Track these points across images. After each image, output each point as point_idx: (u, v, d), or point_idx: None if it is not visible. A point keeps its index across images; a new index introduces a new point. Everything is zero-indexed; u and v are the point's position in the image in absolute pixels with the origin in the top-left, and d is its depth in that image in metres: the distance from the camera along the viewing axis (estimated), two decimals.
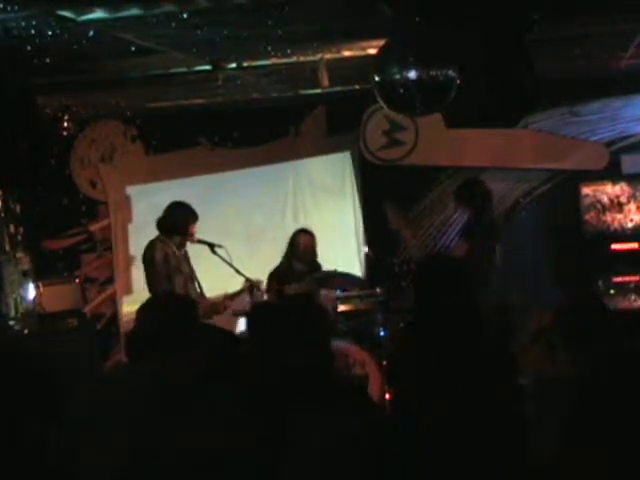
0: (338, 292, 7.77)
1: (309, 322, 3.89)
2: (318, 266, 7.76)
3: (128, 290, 8.57)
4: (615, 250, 8.88)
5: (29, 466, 3.26)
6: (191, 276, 6.78)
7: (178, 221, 6.72)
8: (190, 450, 3.36)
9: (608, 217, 9.05)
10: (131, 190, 8.76)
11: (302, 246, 7.55)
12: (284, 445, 3.43)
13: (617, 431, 3.50)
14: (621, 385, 3.55)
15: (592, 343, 3.75)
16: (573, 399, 3.56)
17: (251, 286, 6.93)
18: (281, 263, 7.64)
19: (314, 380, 3.63)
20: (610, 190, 9.05)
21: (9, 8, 4.24)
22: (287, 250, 7.63)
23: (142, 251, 6.85)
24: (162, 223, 6.75)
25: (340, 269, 7.77)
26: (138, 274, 7.51)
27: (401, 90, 4.74)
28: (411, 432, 3.77)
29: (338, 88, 7.56)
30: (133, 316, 3.99)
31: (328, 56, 6.32)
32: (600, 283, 8.41)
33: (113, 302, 8.66)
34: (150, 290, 6.65)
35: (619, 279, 8.47)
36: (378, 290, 7.67)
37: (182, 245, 6.76)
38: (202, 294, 6.83)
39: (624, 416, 3.50)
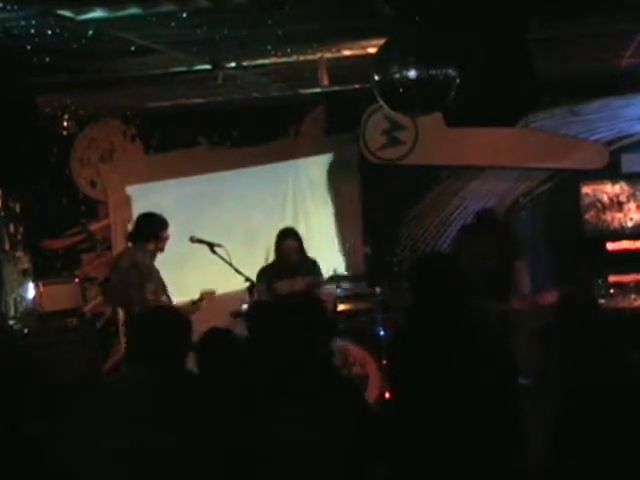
0: (338, 291, 7.76)
1: (308, 320, 3.90)
2: (309, 261, 7.69)
3: None
4: (615, 249, 8.88)
5: (29, 466, 3.26)
6: (162, 285, 6.82)
7: (148, 229, 6.81)
8: (188, 449, 3.36)
9: (608, 216, 9.05)
10: (131, 190, 8.76)
11: (285, 251, 7.45)
12: (274, 440, 3.44)
13: (612, 431, 3.51)
14: (615, 385, 3.56)
15: (590, 343, 3.75)
16: (569, 398, 3.57)
17: (251, 285, 6.93)
18: (272, 262, 7.60)
19: (311, 377, 3.64)
20: (610, 189, 9.05)
21: (9, 8, 4.24)
22: (274, 253, 7.57)
23: None
24: (133, 234, 6.90)
25: (339, 270, 7.77)
26: None
27: (401, 90, 4.73)
28: (407, 431, 3.77)
29: (338, 88, 7.56)
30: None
31: (328, 56, 6.31)
32: (600, 282, 8.41)
33: None
34: (112, 296, 6.70)
35: (619, 278, 8.47)
36: (378, 290, 7.67)
37: (154, 254, 6.83)
38: (169, 300, 6.87)
39: (619, 416, 3.51)
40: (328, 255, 9.09)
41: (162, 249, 6.87)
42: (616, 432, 3.56)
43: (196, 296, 6.87)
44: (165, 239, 6.84)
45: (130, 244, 6.94)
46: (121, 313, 8.47)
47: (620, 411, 3.57)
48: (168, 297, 6.82)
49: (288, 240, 7.43)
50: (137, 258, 6.68)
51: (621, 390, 3.61)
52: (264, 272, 7.46)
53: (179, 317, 3.88)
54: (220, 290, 7.26)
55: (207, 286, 6.99)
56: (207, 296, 6.86)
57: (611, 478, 3.60)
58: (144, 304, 6.45)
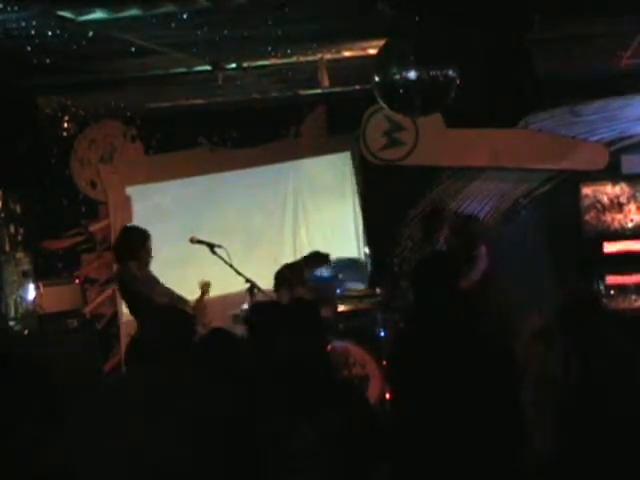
0: (338, 291, 7.76)
1: (306, 322, 3.91)
2: None
3: None
4: (615, 250, 8.88)
5: (28, 466, 3.26)
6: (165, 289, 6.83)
7: (134, 244, 6.70)
8: (188, 449, 3.36)
9: (608, 217, 9.05)
10: (131, 190, 8.75)
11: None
12: (275, 441, 3.44)
13: (613, 430, 3.50)
14: (617, 384, 3.56)
15: (591, 342, 3.75)
16: (571, 397, 3.56)
17: (251, 286, 6.93)
18: (298, 264, 7.58)
19: (312, 378, 3.64)
20: (610, 190, 9.05)
21: (9, 8, 4.24)
22: (302, 262, 7.54)
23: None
24: (121, 251, 6.73)
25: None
26: None
27: (401, 90, 4.74)
28: (408, 431, 3.77)
29: (338, 88, 7.56)
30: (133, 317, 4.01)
31: (328, 56, 6.32)
32: (600, 283, 8.41)
33: (113, 302, 8.65)
34: (140, 311, 6.61)
35: (619, 279, 8.47)
36: (378, 290, 7.67)
37: (146, 266, 6.75)
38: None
39: (620, 414, 3.51)
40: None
41: (147, 262, 6.74)
42: (618, 432, 3.56)
43: (195, 296, 6.86)
44: (148, 252, 6.71)
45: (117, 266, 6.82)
46: (123, 314, 8.49)
47: (623, 411, 3.57)
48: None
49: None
50: (145, 277, 6.64)
51: (623, 390, 3.61)
52: (286, 272, 7.45)
53: (181, 317, 3.87)
54: (220, 291, 7.25)
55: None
56: (206, 288, 6.84)
57: (613, 478, 3.60)
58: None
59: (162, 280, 6.87)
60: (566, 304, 3.99)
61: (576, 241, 9.02)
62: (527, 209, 9.19)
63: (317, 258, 7.62)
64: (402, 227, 9.32)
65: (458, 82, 4.80)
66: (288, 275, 7.40)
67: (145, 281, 6.62)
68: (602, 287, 8.40)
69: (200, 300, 6.77)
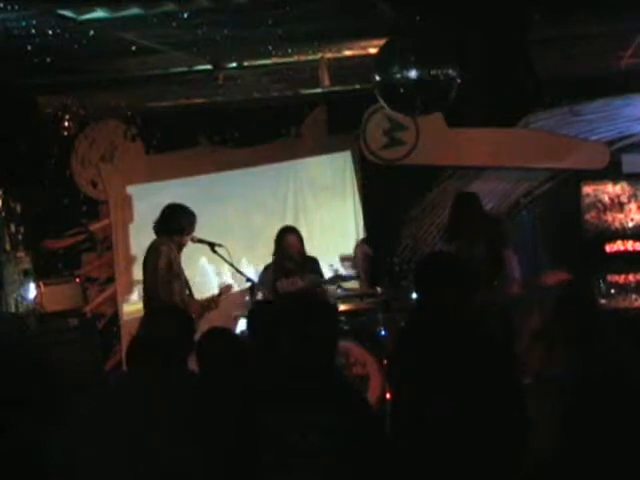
0: (339, 291, 7.76)
1: (311, 321, 3.90)
2: (311, 261, 7.70)
3: (129, 290, 8.57)
4: (615, 250, 8.89)
5: (28, 465, 3.26)
6: (185, 279, 6.72)
7: (182, 224, 6.64)
8: (187, 449, 3.36)
9: (609, 216, 9.05)
10: (132, 189, 8.76)
11: (288, 246, 7.47)
12: (275, 441, 3.44)
13: (613, 429, 3.50)
14: (617, 384, 3.56)
15: (591, 342, 3.75)
16: (571, 397, 3.56)
17: (252, 285, 6.93)
18: (272, 262, 7.62)
19: (313, 378, 3.64)
20: (611, 189, 9.06)
21: (9, 8, 4.25)
22: (275, 249, 7.56)
23: (143, 251, 6.80)
24: (165, 226, 6.66)
25: (341, 270, 7.78)
26: (139, 274, 7.50)
27: (401, 90, 4.74)
28: (408, 431, 3.77)
29: (338, 88, 7.56)
30: (133, 316, 4.01)
31: (328, 56, 6.32)
32: (600, 282, 8.41)
33: (114, 302, 8.65)
34: (147, 295, 6.56)
35: (619, 278, 8.47)
36: (378, 290, 7.67)
37: (182, 247, 6.68)
38: (192, 296, 6.76)
39: (620, 414, 3.51)
40: (329, 256, 9.09)
41: (185, 244, 6.69)
42: (618, 432, 3.57)
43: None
44: (190, 235, 6.67)
45: (157, 236, 6.65)
46: (123, 313, 8.49)
47: (622, 411, 3.58)
48: (191, 292, 6.75)
49: (292, 234, 7.45)
50: (171, 256, 6.51)
51: (623, 390, 3.62)
52: (266, 271, 7.46)
53: (181, 317, 3.88)
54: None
55: (208, 286, 6.99)
56: (225, 290, 6.82)
57: (613, 478, 3.61)
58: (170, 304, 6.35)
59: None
60: (565, 304, 4.00)
61: (576, 241, 9.02)
62: (528, 209, 9.20)
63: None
64: (402, 227, 9.33)
65: (458, 82, 4.80)
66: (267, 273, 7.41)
67: (171, 269, 6.54)
68: (603, 286, 8.40)
69: (212, 300, 6.75)
